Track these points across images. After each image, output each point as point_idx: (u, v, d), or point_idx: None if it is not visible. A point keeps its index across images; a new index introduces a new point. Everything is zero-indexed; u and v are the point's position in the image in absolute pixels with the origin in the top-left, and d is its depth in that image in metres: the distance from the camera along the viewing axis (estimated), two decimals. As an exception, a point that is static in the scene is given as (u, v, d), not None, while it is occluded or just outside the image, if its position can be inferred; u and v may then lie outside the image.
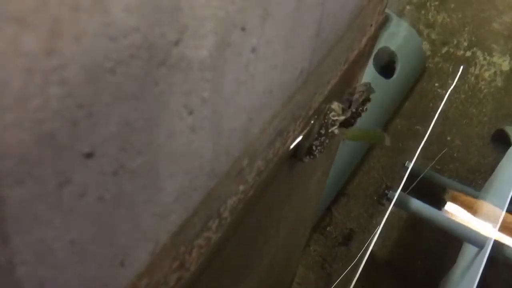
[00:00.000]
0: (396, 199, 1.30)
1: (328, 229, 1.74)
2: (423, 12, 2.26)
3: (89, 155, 0.24)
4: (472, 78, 2.13)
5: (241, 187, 0.46)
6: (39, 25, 0.18)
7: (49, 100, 0.20)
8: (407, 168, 1.34)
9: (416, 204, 1.39)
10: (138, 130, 0.27)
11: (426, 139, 1.34)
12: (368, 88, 0.67)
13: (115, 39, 0.22)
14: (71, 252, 0.26)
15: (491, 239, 1.22)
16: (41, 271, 0.25)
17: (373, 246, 1.18)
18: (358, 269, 1.15)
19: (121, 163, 0.27)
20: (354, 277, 1.15)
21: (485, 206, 1.40)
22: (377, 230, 1.19)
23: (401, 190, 1.31)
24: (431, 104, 2.03)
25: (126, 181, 0.28)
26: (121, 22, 0.22)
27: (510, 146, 1.59)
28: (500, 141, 1.93)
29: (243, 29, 0.33)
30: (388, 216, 1.21)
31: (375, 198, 1.73)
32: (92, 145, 0.24)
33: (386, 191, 1.37)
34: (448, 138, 1.98)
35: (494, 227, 1.24)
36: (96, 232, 0.28)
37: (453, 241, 1.46)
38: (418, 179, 1.48)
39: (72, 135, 0.22)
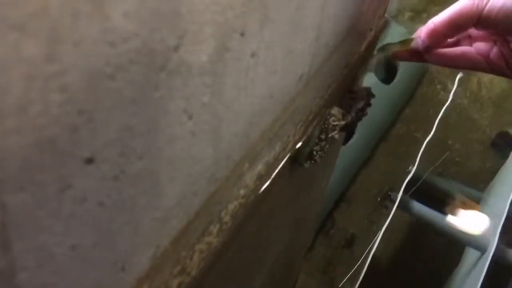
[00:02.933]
0: (398, 202, 1.29)
1: (330, 233, 1.74)
2: (425, 15, 2.27)
3: (89, 161, 0.24)
4: (474, 83, 2.13)
5: (242, 192, 0.46)
6: (39, 31, 0.19)
7: (49, 106, 0.20)
8: (409, 172, 1.34)
9: (418, 207, 1.39)
10: (138, 135, 0.27)
11: (427, 144, 1.33)
12: (369, 93, 0.67)
13: (114, 45, 0.22)
14: (72, 257, 0.26)
15: (493, 243, 1.21)
16: (42, 277, 0.25)
17: (376, 250, 1.18)
18: (361, 273, 1.15)
19: (121, 168, 0.27)
20: (357, 281, 1.15)
21: (487, 209, 1.39)
22: (379, 234, 1.19)
23: (403, 193, 1.30)
24: (432, 109, 2.03)
25: (127, 186, 0.28)
26: (121, 28, 0.22)
27: (512, 149, 1.59)
28: (501, 145, 1.92)
29: (242, 34, 0.34)
30: (390, 220, 1.21)
31: (378, 199, 1.72)
32: (93, 151, 0.24)
33: (389, 193, 1.37)
34: (449, 142, 1.98)
35: (496, 231, 1.23)
36: (97, 237, 0.28)
37: (456, 245, 1.45)
38: (420, 182, 1.48)
39: (72, 141, 0.23)
